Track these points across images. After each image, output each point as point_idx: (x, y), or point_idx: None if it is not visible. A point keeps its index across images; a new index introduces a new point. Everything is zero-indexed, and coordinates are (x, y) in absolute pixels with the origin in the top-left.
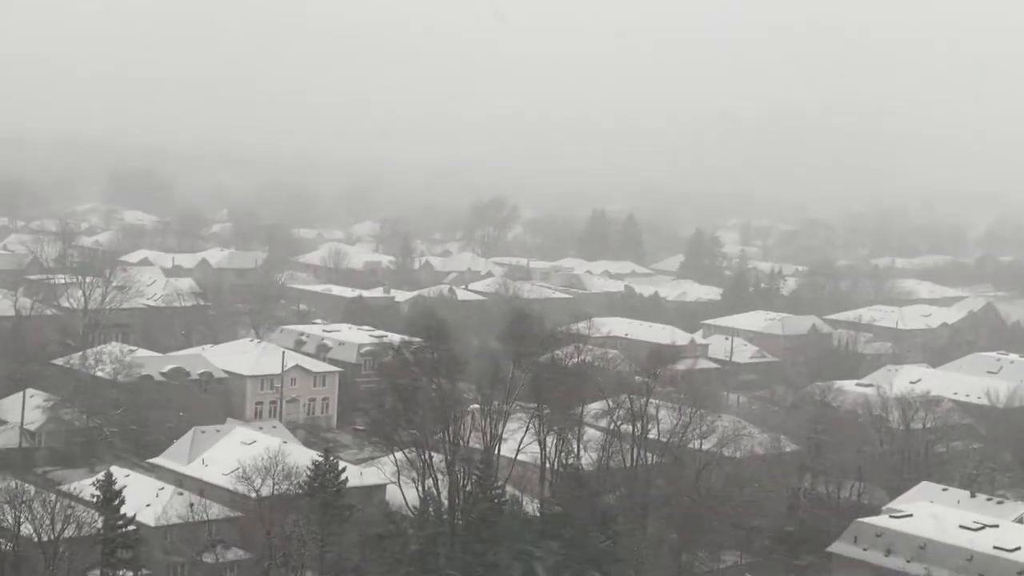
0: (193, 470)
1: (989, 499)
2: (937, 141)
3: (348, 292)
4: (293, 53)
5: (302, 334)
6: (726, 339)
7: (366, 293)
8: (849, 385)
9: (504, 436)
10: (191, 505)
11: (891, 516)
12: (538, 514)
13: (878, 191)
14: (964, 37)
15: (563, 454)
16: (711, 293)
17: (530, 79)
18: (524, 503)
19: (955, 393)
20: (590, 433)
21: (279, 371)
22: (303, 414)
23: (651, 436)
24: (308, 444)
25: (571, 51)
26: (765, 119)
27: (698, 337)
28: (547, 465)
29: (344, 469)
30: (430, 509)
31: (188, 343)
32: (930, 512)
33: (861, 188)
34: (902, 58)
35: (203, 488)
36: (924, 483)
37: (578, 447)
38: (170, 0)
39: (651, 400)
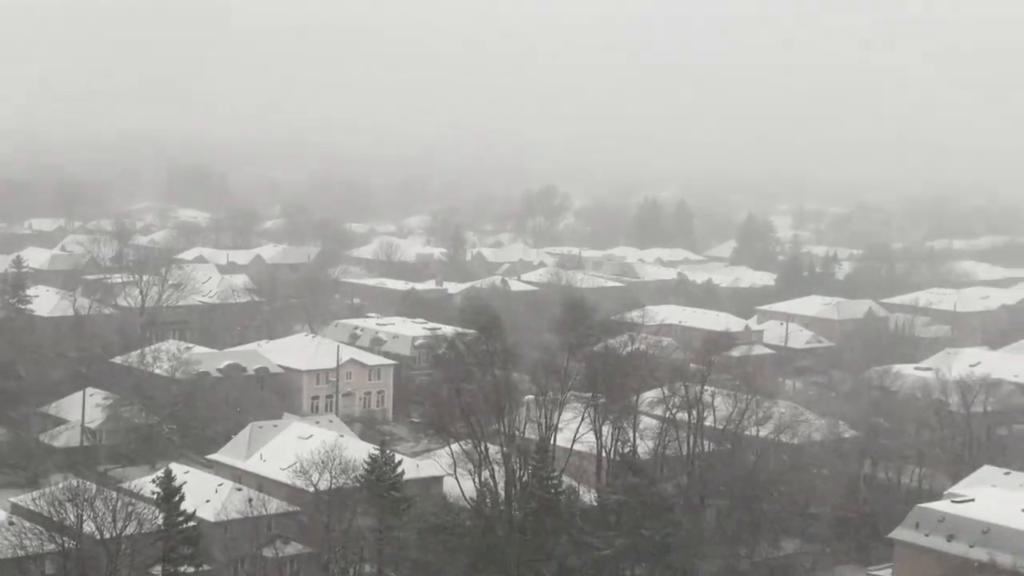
0: (251, 465)
1: None
2: (992, 123)
3: (401, 285)
4: (343, 49)
5: (356, 328)
6: (781, 324)
7: (419, 286)
8: (907, 369)
9: (560, 426)
10: (250, 500)
11: (953, 501)
12: (595, 504)
13: (932, 173)
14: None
15: (619, 443)
16: (765, 278)
17: (577, 66)
18: (581, 493)
19: (1015, 375)
20: (646, 422)
21: (334, 365)
22: (359, 407)
23: (707, 423)
24: (364, 437)
25: (620, 40)
26: (816, 102)
27: (753, 323)
28: (603, 454)
29: (400, 462)
30: (487, 500)
31: (244, 339)
32: (993, 496)
33: (915, 171)
34: (954, 40)
35: (261, 483)
36: (986, 467)
37: (634, 436)
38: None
39: (707, 387)
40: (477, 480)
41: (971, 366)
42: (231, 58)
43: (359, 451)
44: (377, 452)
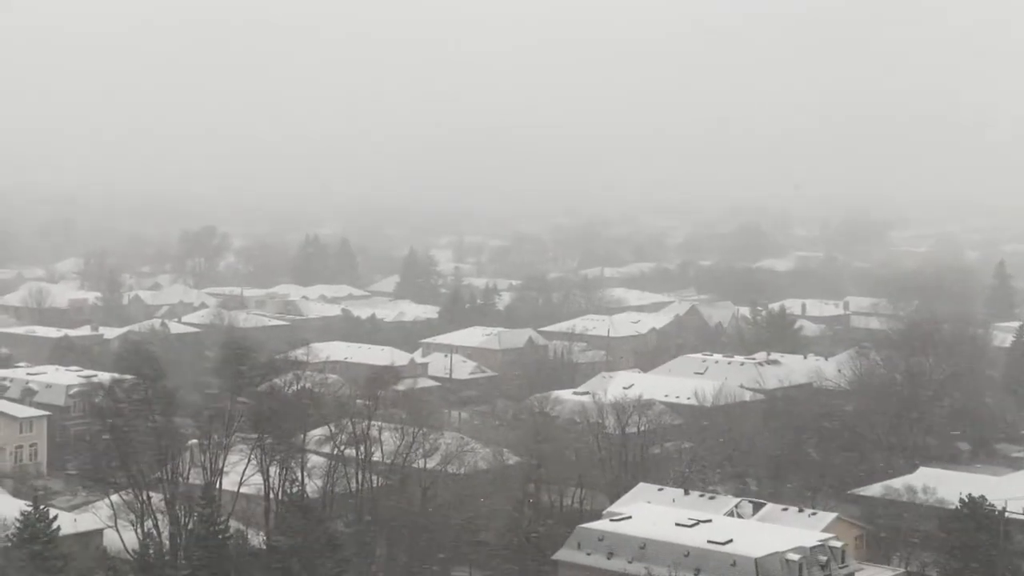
0: None
1: (701, 495)
2: (639, 157)
3: (53, 332)
4: None
5: (4, 379)
6: (445, 356)
7: (72, 332)
8: (566, 394)
9: (226, 469)
10: None
11: (611, 519)
12: (264, 547)
13: (578, 204)
14: (669, 60)
15: (287, 483)
16: (428, 312)
17: (233, 99)
18: (249, 537)
19: (666, 395)
20: (314, 460)
21: None
22: (9, 463)
23: (375, 459)
24: (16, 494)
25: (278, 73)
26: (472, 136)
27: (417, 356)
28: (271, 496)
29: (56, 517)
30: (151, 551)
31: None
32: (648, 512)
33: (563, 202)
34: (597, 82)
35: None
36: (641, 484)
37: (302, 475)
38: None
39: (373, 422)
40: (140, 531)
41: (625, 388)
42: None
43: (10, 509)
44: (30, 508)
